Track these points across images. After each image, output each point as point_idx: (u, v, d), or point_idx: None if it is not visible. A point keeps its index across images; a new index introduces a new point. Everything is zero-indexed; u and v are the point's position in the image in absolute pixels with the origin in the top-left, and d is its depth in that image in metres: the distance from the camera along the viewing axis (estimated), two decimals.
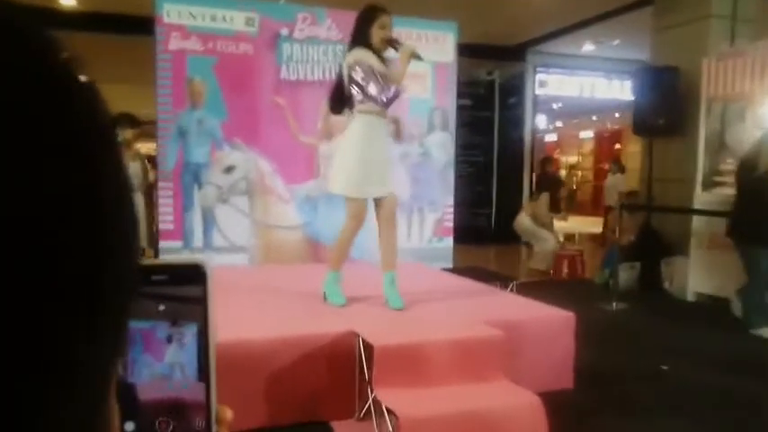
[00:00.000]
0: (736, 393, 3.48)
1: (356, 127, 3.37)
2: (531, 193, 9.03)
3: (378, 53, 3.33)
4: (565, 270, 7.42)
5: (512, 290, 4.34)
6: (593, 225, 12.36)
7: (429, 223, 5.84)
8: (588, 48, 10.32)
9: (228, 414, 0.47)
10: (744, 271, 4.83)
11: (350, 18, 5.27)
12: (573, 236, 11.47)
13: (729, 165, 6.02)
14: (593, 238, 11.52)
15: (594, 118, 16.38)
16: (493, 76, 10.78)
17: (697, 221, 6.03)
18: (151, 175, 8.03)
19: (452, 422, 2.52)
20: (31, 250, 0.23)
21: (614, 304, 5.57)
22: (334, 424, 2.89)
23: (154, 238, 5.92)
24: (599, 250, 7.88)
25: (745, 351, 4.31)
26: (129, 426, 0.46)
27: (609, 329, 4.77)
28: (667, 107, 6.31)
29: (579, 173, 17.84)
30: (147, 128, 6.57)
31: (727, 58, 5.76)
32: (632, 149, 13.42)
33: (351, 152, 3.37)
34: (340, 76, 3.43)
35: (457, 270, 5.14)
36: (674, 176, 6.54)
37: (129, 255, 0.28)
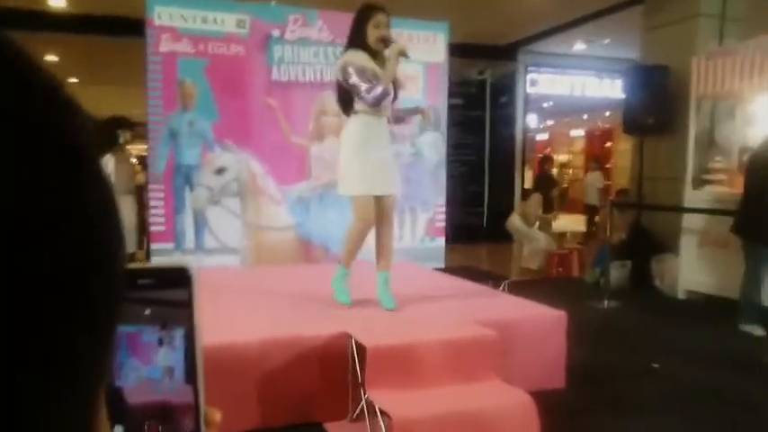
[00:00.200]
0: (726, 391, 3.51)
1: (353, 127, 3.39)
2: (528, 192, 9.03)
3: (374, 52, 3.33)
4: (557, 269, 7.45)
5: (504, 289, 4.36)
6: (584, 223, 12.41)
7: (421, 223, 5.85)
8: (579, 47, 10.36)
9: (217, 416, 0.48)
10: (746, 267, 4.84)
11: (341, 19, 5.30)
12: (565, 234, 11.52)
13: (719, 163, 6.07)
14: (578, 236, 11.58)
15: (585, 116, 16.44)
16: (484, 75, 10.81)
17: (687, 219, 6.07)
18: (142, 177, 8.03)
19: (445, 422, 2.53)
20: (31, 247, 0.24)
21: (605, 302, 5.60)
22: (327, 425, 2.90)
23: (143, 239, 5.93)
24: (586, 249, 7.90)
25: (735, 348, 4.35)
26: (118, 430, 0.46)
27: (600, 328, 4.80)
28: (657, 106, 6.35)
29: (570, 171, 17.90)
30: (138, 129, 6.57)
31: (716, 57, 5.80)
32: (623, 147, 13.48)
33: (349, 152, 3.39)
34: (338, 78, 3.45)
35: (449, 270, 5.15)
36: (665, 174, 6.58)
37: (116, 256, 0.29)
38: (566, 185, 14.98)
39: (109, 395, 0.39)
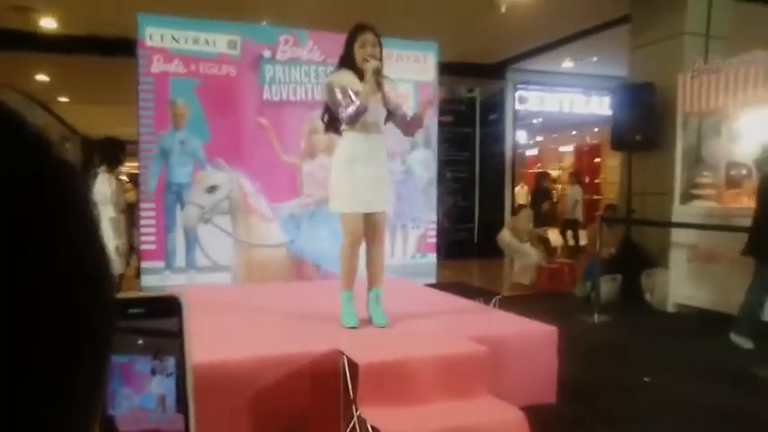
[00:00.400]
0: (717, 403, 3.53)
1: (342, 145, 3.46)
2: (523, 207, 9.05)
3: (362, 72, 3.36)
4: (548, 283, 7.48)
5: (495, 305, 4.37)
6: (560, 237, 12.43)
7: (412, 240, 5.87)
8: (567, 65, 10.49)
9: None
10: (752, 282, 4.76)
11: (331, 39, 5.37)
12: (555, 249, 11.55)
13: (706, 178, 6.14)
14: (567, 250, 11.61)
15: (574, 132, 16.56)
16: (474, 93, 10.92)
17: (676, 234, 6.13)
18: (132, 195, 8.00)
19: None
20: (26, 288, 0.25)
21: (596, 317, 5.63)
22: None
23: (131, 257, 5.93)
24: (575, 263, 7.94)
25: (725, 361, 4.38)
26: None
27: (591, 342, 4.82)
28: (644, 123, 6.43)
29: (559, 186, 17.99)
30: (129, 147, 6.59)
31: (701, 75, 5.89)
32: (611, 163, 13.58)
33: (336, 169, 3.45)
34: (324, 98, 3.50)
35: (440, 286, 5.16)
36: (653, 190, 6.65)
37: (108, 289, 0.30)
38: (555, 200, 15.06)
39: (102, 424, 0.41)
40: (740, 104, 5.64)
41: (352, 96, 3.27)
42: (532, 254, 7.80)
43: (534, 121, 13.99)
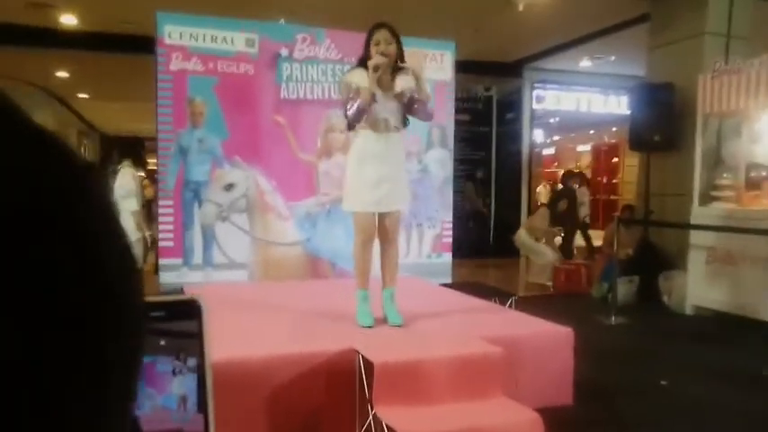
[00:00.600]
0: (735, 407, 3.50)
1: (355, 143, 3.48)
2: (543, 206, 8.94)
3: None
4: (565, 283, 7.45)
5: (510, 305, 4.36)
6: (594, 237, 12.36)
7: (428, 239, 5.87)
8: (585, 64, 10.42)
9: None
10: None
11: (348, 38, 5.38)
12: (572, 250, 11.47)
13: (726, 179, 6.07)
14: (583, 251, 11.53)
15: (592, 132, 16.45)
16: (490, 91, 10.88)
17: (695, 236, 6.07)
18: (150, 191, 8.10)
19: None
20: (63, 299, 0.26)
21: (613, 318, 5.60)
22: None
23: (149, 252, 6.02)
24: (592, 263, 7.89)
25: (743, 364, 4.33)
26: None
27: (608, 344, 4.79)
28: (663, 123, 6.37)
29: (576, 186, 17.89)
30: (147, 144, 6.69)
31: (722, 75, 5.83)
32: (630, 163, 13.48)
33: (349, 168, 3.48)
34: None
35: (456, 285, 5.16)
36: (672, 191, 6.59)
37: (137, 293, 0.31)
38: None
39: (131, 424, 0.41)
40: (761, 105, 5.57)
41: (354, 95, 3.29)
42: (548, 253, 7.76)
43: (551, 120, 13.91)
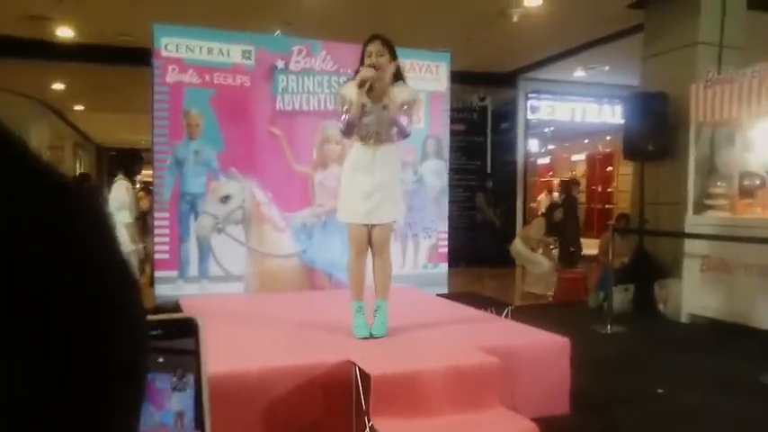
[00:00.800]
0: (731, 414, 3.51)
1: (349, 155, 3.54)
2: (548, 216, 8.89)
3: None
4: (565, 292, 7.49)
5: (507, 315, 4.37)
6: (587, 246, 12.39)
7: (424, 249, 5.87)
8: (579, 74, 10.48)
9: None
10: None
11: (344, 50, 5.41)
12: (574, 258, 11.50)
13: (720, 188, 6.11)
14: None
15: (586, 141, 16.52)
16: (485, 102, 10.93)
17: (690, 244, 6.09)
18: (145, 203, 8.12)
19: None
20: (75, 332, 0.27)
21: (609, 327, 5.60)
22: None
23: (146, 264, 6.04)
24: (587, 273, 7.92)
25: (739, 372, 4.34)
26: None
27: (604, 353, 4.79)
28: (657, 132, 6.41)
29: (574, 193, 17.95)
30: (144, 155, 6.73)
31: (715, 84, 5.87)
32: (624, 171, 13.53)
33: (343, 180, 3.53)
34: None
35: (452, 296, 5.16)
36: (666, 200, 6.62)
37: (141, 318, 0.32)
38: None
39: None
40: (754, 114, 5.61)
41: (346, 108, 3.33)
42: (544, 263, 7.77)
43: (546, 129, 13.97)
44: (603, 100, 11.42)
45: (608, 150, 15.93)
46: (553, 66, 9.97)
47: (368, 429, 2.72)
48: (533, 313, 5.27)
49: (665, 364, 4.58)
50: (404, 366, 2.89)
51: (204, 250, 5.16)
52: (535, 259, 7.82)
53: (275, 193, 5.35)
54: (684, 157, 6.20)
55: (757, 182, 5.90)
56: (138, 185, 7.51)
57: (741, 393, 3.88)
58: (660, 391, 3.90)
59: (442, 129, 5.99)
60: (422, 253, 5.86)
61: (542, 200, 14.01)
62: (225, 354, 2.92)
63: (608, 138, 15.07)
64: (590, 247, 12.19)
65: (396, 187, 3.51)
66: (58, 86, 11.05)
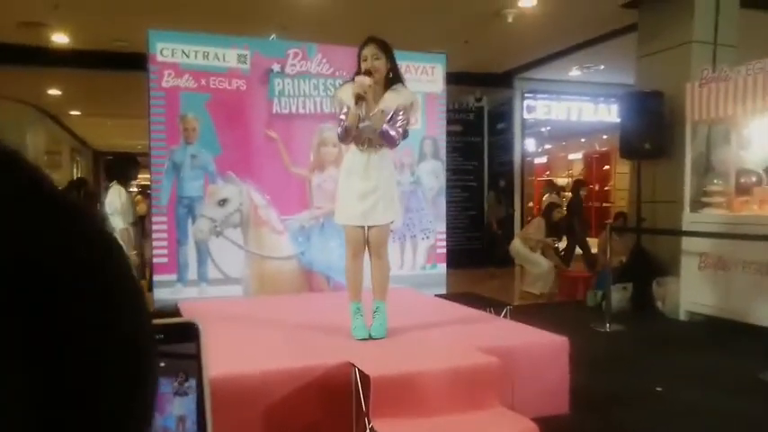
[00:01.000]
0: (731, 412, 3.52)
1: (344, 158, 3.56)
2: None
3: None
4: (567, 292, 7.51)
5: (506, 315, 4.38)
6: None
7: (422, 250, 5.89)
8: (575, 73, 10.50)
9: None
10: None
11: (339, 53, 5.43)
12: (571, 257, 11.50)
13: (716, 186, 6.13)
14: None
15: (583, 140, 16.54)
16: (482, 102, 10.95)
17: (687, 242, 6.11)
18: (143, 207, 8.10)
19: None
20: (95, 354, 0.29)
21: (608, 326, 5.61)
22: None
23: (143, 269, 6.04)
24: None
25: (738, 369, 4.35)
26: None
27: (603, 351, 4.80)
28: (653, 131, 6.42)
29: (568, 194, 17.97)
30: (140, 160, 6.72)
31: (710, 83, 5.89)
32: (621, 170, 13.56)
33: (340, 183, 3.56)
34: None
35: (451, 296, 5.17)
36: (663, 198, 6.64)
37: (148, 332, 0.33)
38: (565, 209, 15.05)
39: None
40: (749, 112, 5.63)
41: (344, 114, 3.33)
42: (543, 263, 7.78)
43: (543, 129, 13.98)
44: (599, 99, 11.44)
45: (605, 149, 15.95)
46: (549, 65, 9.99)
47: (368, 431, 2.73)
48: (532, 313, 5.28)
49: (663, 362, 4.59)
50: (403, 367, 2.89)
51: (202, 254, 5.17)
52: (534, 259, 7.83)
53: (273, 196, 5.36)
54: (681, 155, 6.21)
55: (753, 179, 5.92)
56: (134, 190, 7.51)
57: (740, 390, 3.89)
58: (659, 389, 3.91)
59: (439, 130, 6.00)
60: (420, 254, 5.87)
61: (546, 200, 14.00)
62: (224, 357, 2.92)
63: (604, 137, 15.10)
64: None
65: (391, 189, 3.52)
66: (54, 92, 11.05)
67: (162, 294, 5.01)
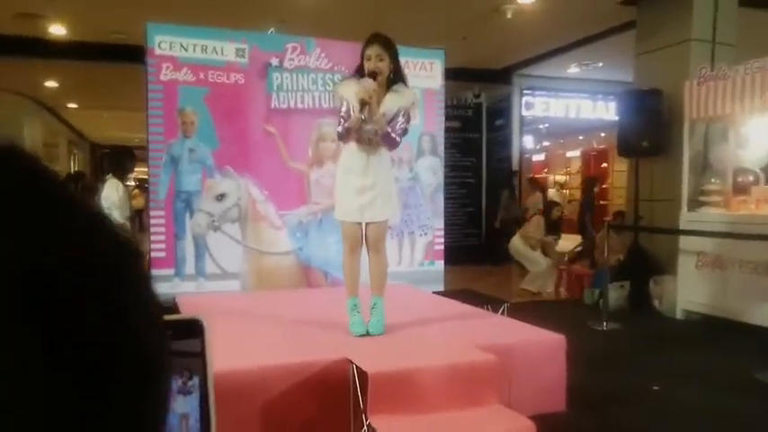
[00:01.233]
0: (727, 411, 3.53)
1: (342, 154, 3.55)
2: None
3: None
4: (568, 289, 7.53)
5: (503, 312, 4.38)
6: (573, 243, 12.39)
7: (420, 247, 5.88)
8: (573, 70, 10.49)
9: None
10: None
11: (338, 47, 5.41)
12: (563, 255, 11.51)
13: (714, 184, 6.13)
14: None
15: (581, 137, 16.55)
16: (480, 98, 10.94)
17: (684, 241, 6.11)
18: (140, 201, 8.08)
19: None
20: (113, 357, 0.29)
21: (605, 324, 5.62)
22: None
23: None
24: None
25: (734, 368, 4.36)
26: None
27: (600, 349, 4.81)
28: (651, 129, 6.42)
29: (567, 191, 17.99)
30: (138, 153, 6.70)
31: (708, 81, 5.89)
32: (619, 168, 13.57)
33: (338, 179, 3.55)
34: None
35: (448, 293, 5.17)
36: (660, 196, 6.64)
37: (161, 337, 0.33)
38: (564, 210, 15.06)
39: None
40: (747, 111, 5.63)
41: (350, 113, 3.31)
42: (542, 262, 7.78)
43: (541, 126, 13.99)
44: (598, 96, 11.44)
45: (602, 147, 15.97)
46: (547, 62, 9.99)
47: (365, 427, 2.73)
48: (529, 311, 5.28)
49: (660, 360, 4.60)
50: (401, 364, 2.89)
51: (200, 248, 5.16)
52: (533, 257, 7.83)
53: (271, 191, 5.35)
54: (678, 153, 6.22)
55: (751, 178, 5.92)
56: (131, 184, 7.49)
57: (735, 389, 3.90)
58: (656, 387, 3.92)
59: (437, 126, 6.00)
60: (418, 250, 5.87)
61: (554, 196, 13.98)
62: (222, 352, 2.90)
63: (602, 134, 15.11)
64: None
65: (389, 186, 3.51)
66: (52, 84, 11.01)
67: (159, 289, 4.97)
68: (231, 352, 2.99)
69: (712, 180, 6.15)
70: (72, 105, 13.42)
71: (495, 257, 9.92)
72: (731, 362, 4.52)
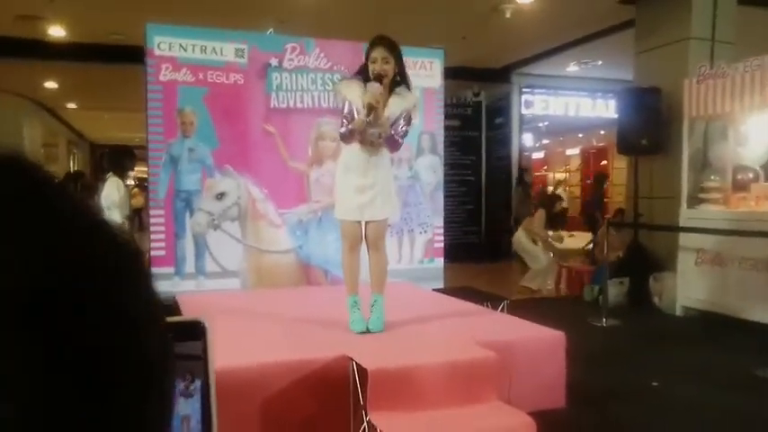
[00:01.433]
0: (726, 407, 3.54)
1: (342, 153, 3.55)
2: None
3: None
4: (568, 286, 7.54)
5: (503, 309, 4.38)
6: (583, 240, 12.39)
7: (419, 244, 5.89)
8: (572, 68, 10.50)
9: None
10: None
11: (337, 47, 5.42)
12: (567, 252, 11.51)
13: (713, 182, 6.14)
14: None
15: (580, 135, 16.56)
16: (480, 97, 10.95)
17: (684, 238, 6.12)
18: (139, 200, 8.08)
19: None
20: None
21: (604, 320, 5.63)
22: None
23: None
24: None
25: (734, 364, 4.37)
26: None
27: (600, 346, 4.82)
28: (650, 127, 6.43)
29: (567, 188, 18.00)
30: (137, 153, 6.71)
31: (707, 79, 5.90)
32: (618, 165, 13.57)
33: (337, 178, 3.55)
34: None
35: (448, 290, 5.18)
36: (660, 194, 6.65)
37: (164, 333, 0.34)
38: (565, 204, 15.04)
39: None
40: (746, 108, 5.64)
41: (353, 114, 3.31)
42: (542, 259, 7.78)
43: (540, 124, 13.99)
44: (597, 95, 11.45)
45: (602, 145, 15.97)
46: (546, 61, 9.99)
47: (365, 424, 2.74)
48: (529, 308, 5.29)
49: (659, 357, 4.60)
50: (401, 361, 2.90)
51: (200, 247, 5.17)
52: (535, 253, 7.82)
53: (271, 190, 5.36)
54: (678, 151, 6.22)
55: (750, 175, 5.93)
56: (130, 183, 7.50)
57: (735, 386, 3.90)
58: (655, 384, 3.93)
59: (437, 124, 6.01)
60: (417, 248, 5.88)
61: (561, 194, 13.98)
62: (222, 350, 2.90)
63: (602, 132, 15.12)
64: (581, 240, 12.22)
65: (389, 185, 3.52)
66: (51, 85, 11.01)
67: (159, 287, 4.99)
68: (231, 350, 3.00)
69: (712, 177, 6.16)
70: (71, 106, 13.43)
71: (495, 255, 9.94)
72: (730, 358, 4.53)
